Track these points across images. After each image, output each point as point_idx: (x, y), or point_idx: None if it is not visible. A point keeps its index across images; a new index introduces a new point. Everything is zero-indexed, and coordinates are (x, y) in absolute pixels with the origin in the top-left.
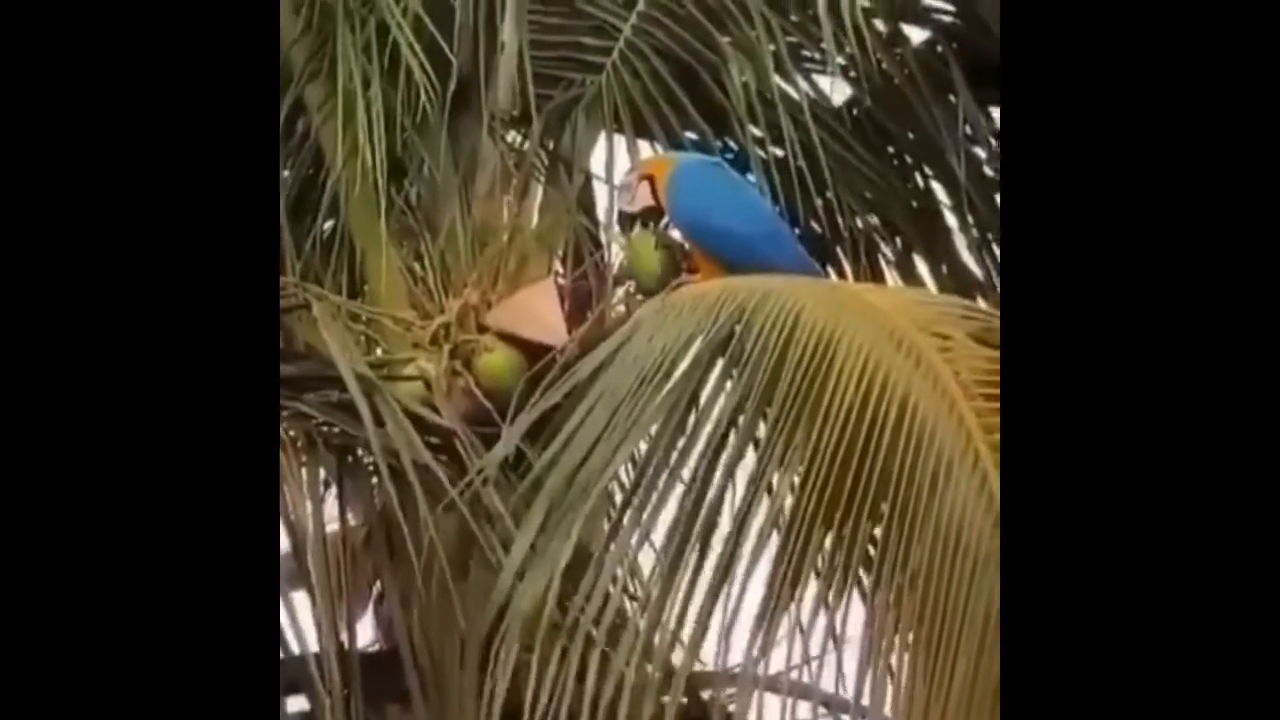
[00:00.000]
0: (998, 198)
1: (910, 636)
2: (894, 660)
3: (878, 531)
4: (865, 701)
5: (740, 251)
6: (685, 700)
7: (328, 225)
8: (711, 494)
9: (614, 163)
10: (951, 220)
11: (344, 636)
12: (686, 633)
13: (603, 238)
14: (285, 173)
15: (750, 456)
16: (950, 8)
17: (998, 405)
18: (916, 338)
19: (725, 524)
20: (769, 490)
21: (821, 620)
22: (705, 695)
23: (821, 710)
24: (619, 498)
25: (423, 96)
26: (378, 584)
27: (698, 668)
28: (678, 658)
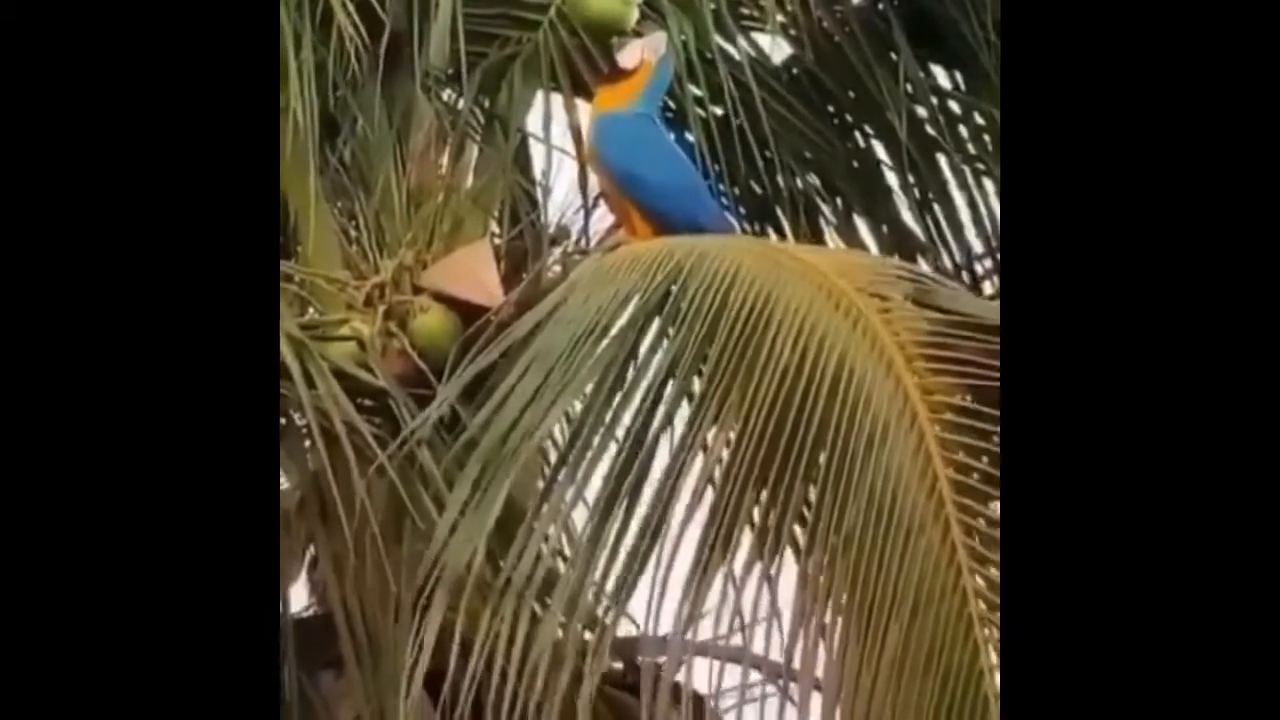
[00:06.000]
0: (940, 158)
1: (843, 599)
2: (826, 623)
3: (812, 494)
4: (796, 664)
5: (664, 203)
6: (623, 667)
7: None
8: (644, 452)
9: (550, 121)
10: (892, 180)
11: None
12: (615, 589)
13: (539, 197)
14: None
15: (685, 417)
16: None
17: (937, 367)
18: (855, 299)
19: (658, 482)
20: (704, 448)
21: (753, 583)
22: (638, 661)
23: (753, 674)
24: (554, 457)
25: (353, 54)
26: (311, 548)
27: (631, 633)
28: (608, 617)
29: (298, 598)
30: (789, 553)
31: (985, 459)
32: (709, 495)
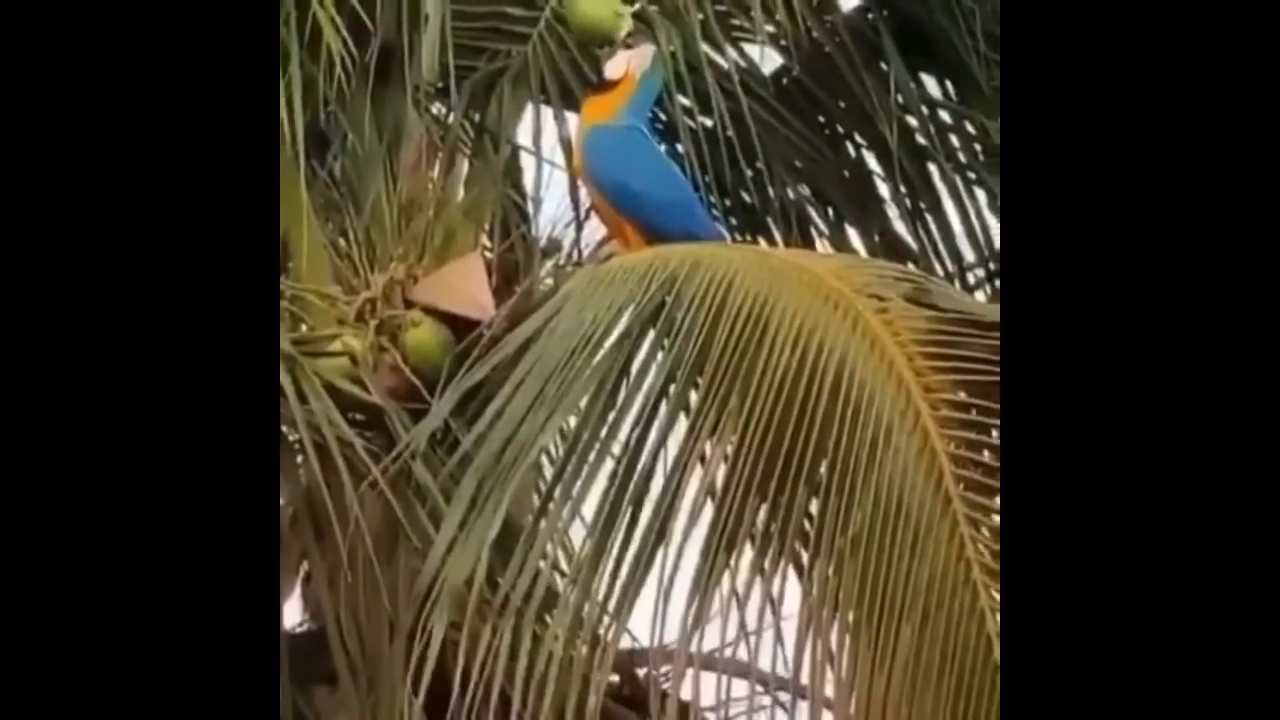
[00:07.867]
0: (931, 167)
1: (852, 605)
2: (835, 631)
3: (815, 501)
4: (804, 675)
5: (654, 214)
6: (619, 679)
7: None
8: (642, 465)
9: (540, 134)
10: (884, 189)
11: None
12: (616, 606)
13: (530, 210)
14: None
15: (683, 428)
16: None
17: (937, 365)
18: (852, 300)
19: (657, 496)
20: (701, 460)
21: (757, 595)
22: (641, 673)
23: (760, 688)
24: (550, 472)
25: (340, 69)
26: (305, 564)
27: (634, 645)
28: (609, 634)
29: (292, 613)
30: (794, 562)
31: (987, 453)
32: (709, 506)
